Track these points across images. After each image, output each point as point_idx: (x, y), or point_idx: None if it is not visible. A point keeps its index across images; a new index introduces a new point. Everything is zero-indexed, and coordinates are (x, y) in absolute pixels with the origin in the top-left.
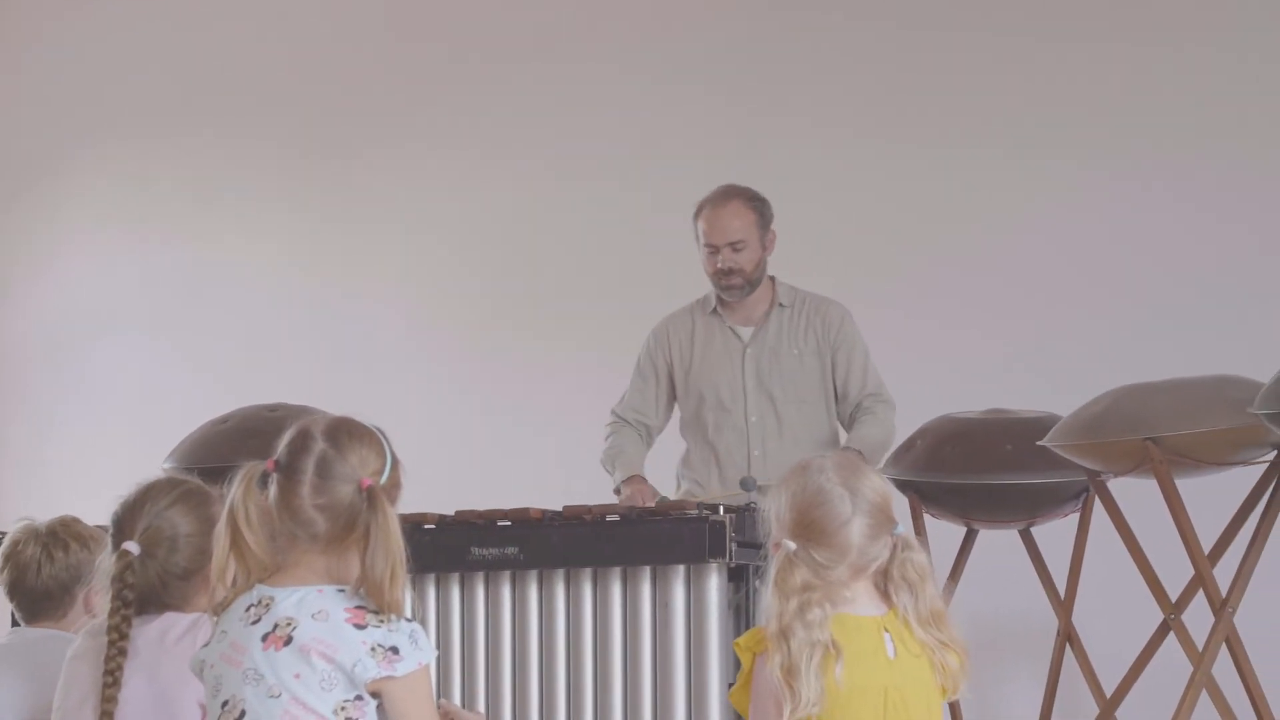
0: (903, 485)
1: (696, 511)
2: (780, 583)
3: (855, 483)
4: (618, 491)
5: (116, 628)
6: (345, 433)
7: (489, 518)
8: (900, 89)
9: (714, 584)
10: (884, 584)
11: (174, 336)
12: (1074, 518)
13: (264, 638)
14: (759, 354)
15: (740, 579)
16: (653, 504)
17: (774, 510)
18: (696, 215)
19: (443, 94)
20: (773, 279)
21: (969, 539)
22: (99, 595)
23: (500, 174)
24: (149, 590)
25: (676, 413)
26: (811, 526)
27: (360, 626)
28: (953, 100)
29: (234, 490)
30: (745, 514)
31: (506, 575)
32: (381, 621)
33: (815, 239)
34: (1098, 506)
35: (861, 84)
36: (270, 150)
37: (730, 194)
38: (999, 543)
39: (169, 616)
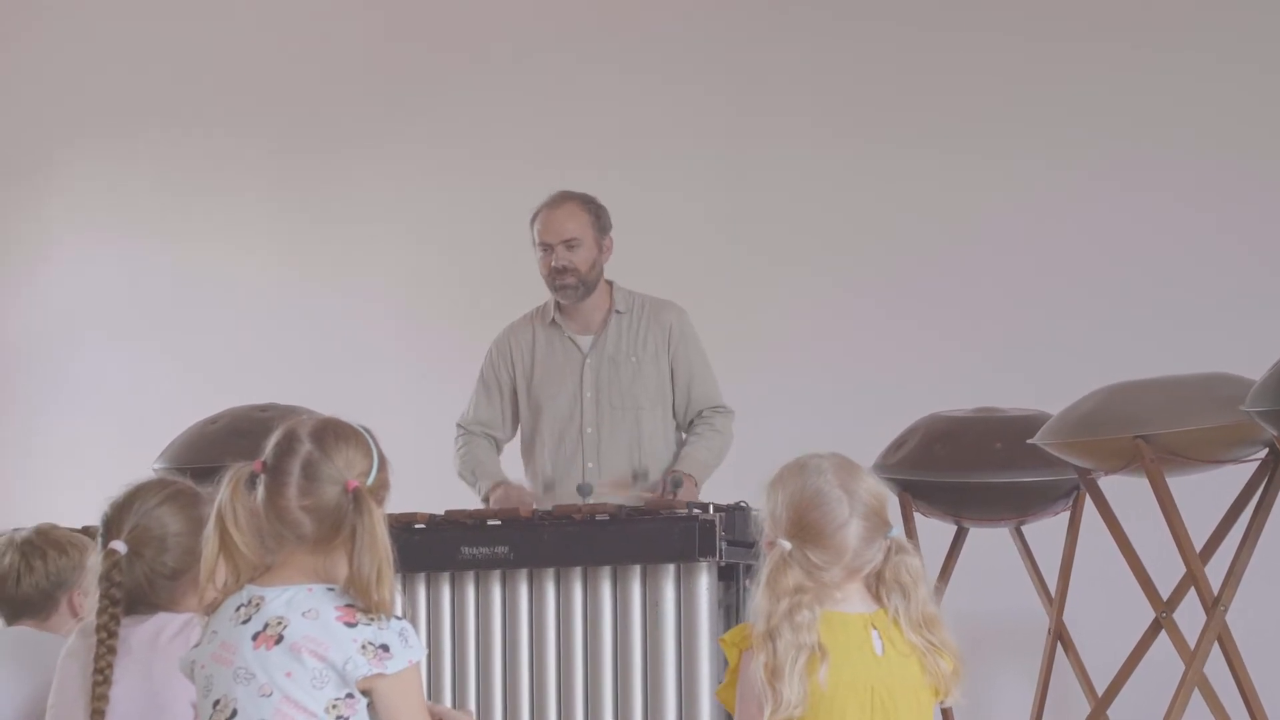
0: (893, 483)
1: (686, 510)
2: (772, 583)
3: (853, 485)
4: (486, 500)
5: (105, 626)
6: (331, 434)
7: (479, 517)
8: (898, 89)
9: (704, 583)
10: (876, 586)
11: (161, 336)
12: (1065, 516)
13: (254, 637)
14: (598, 364)
15: (730, 578)
16: (530, 501)
17: (769, 509)
18: (532, 220)
19: (429, 92)
20: (610, 284)
21: (960, 537)
22: (85, 596)
23: (487, 171)
24: (137, 590)
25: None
26: (808, 528)
27: (351, 625)
28: (945, 100)
29: (222, 492)
30: (736, 513)
31: (497, 574)
32: (372, 620)
33: (802, 235)
34: (1089, 504)
35: (853, 84)
36: (256, 149)
37: (566, 197)
38: (990, 541)
39: (161, 617)
